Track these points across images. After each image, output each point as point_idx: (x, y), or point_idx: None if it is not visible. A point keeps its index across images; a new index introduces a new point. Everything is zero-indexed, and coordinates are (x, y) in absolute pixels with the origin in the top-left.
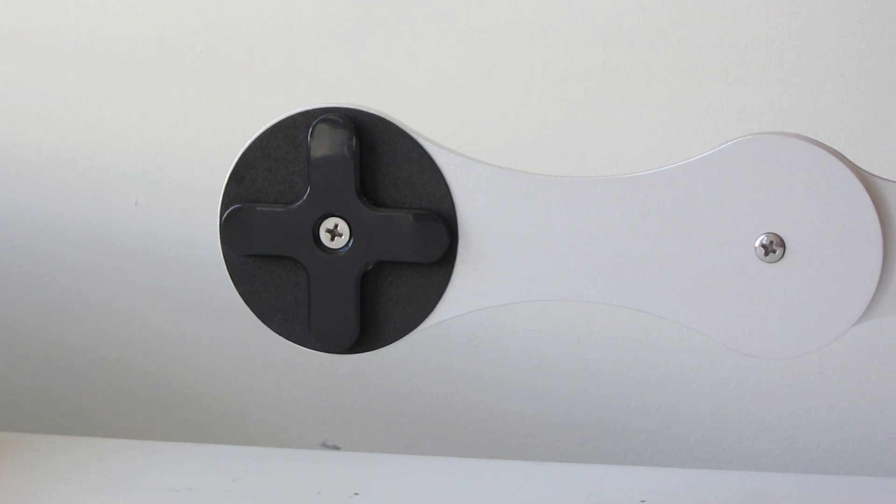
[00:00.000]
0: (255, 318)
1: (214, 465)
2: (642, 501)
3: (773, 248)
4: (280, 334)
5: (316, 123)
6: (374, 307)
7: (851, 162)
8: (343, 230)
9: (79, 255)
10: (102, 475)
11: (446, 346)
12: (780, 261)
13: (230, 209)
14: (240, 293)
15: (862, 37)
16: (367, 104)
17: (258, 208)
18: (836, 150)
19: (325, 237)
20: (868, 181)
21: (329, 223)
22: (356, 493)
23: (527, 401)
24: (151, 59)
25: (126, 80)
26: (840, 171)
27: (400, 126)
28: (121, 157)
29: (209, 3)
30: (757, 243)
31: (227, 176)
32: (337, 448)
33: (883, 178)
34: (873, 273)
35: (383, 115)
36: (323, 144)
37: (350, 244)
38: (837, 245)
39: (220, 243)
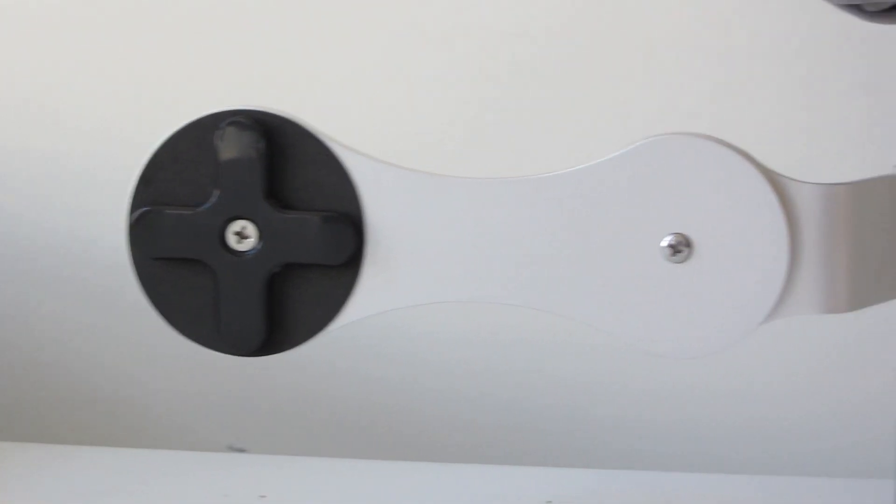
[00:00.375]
0: (163, 320)
1: (119, 469)
2: (548, 502)
3: (680, 248)
4: (187, 337)
5: (224, 126)
6: (282, 309)
7: (758, 162)
8: (251, 233)
9: None
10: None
11: (354, 347)
12: (687, 261)
13: (139, 212)
14: (147, 296)
15: (768, 37)
16: (275, 107)
17: (166, 211)
18: (743, 150)
19: (232, 240)
20: (775, 181)
21: (237, 226)
22: (263, 496)
23: (434, 402)
24: (56, 63)
25: (30, 85)
26: (747, 171)
27: (307, 128)
28: (29, 158)
29: None
30: (664, 243)
31: (136, 178)
32: (243, 451)
33: (790, 178)
34: (780, 273)
35: (291, 118)
36: (231, 147)
37: (258, 247)
38: (744, 245)
39: (128, 246)
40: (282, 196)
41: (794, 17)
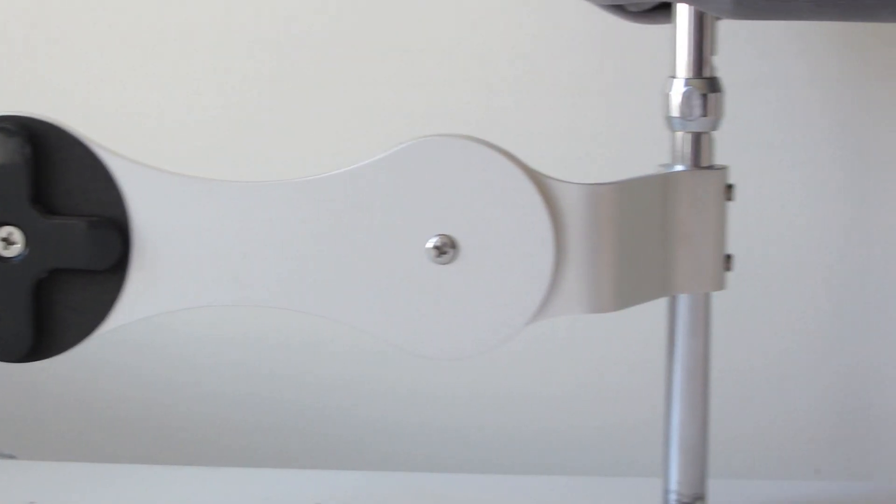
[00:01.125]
0: None
1: None
2: None
3: (446, 249)
4: None
5: None
6: (50, 315)
7: (523, 162)
8: (17, 239)
9: None
10: None
11: (122, 351)
12: (453, 262)
13: None
14: None
15: (529, 41)
16: (41, 112)
17: None
18: (506, 151)
19: None
20: (539, 181)
21: (2, 232)
22: (32, 502)
23: (201, 405)
24: None
25: None
26: (511, 172)
27: (73, 134)
28: None
29: None
30: (429, 245)
31: None
32: (12, 457)
33: (554, 179)
34: (545, 273)
35: (56, 124)
36: None
37: (24, 253)
38: (510, 245)
39: None
40: (48, 202)
41: (558, 17)
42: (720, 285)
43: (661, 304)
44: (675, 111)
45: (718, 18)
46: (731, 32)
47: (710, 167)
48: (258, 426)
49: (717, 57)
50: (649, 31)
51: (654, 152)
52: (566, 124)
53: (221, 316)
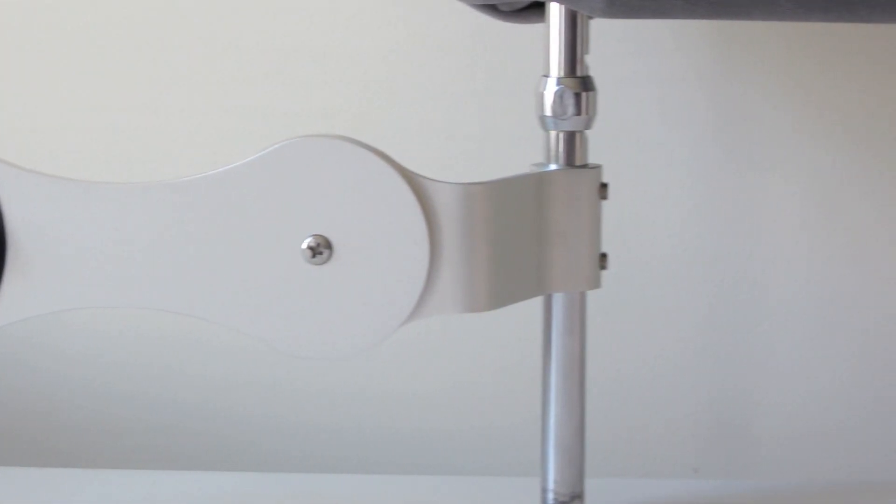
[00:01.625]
0: None
1: None
2: None
3: (320, 249)
4: None
5: None
6: None
7: (396, 162)
8: None
9: None
10: None
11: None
12: (328, 263)
13: None
14: None
15: (402, 40)
16: None
17: None
18: (380, 151)
19: None
20: (413, 181)
21: None
22: None
23: (89, 403)
24: None
25: None
26: (385, 172)
27: None
28: None
29: None
30: (304, 245)
31: None
32: None
33: (428, 178)
34: (420, 273)
35: None
36: None
37: None
38: (384, 245)
39: None
40: None
41: (430, 17)
42: (595, 284)
43: (536, 303)
44: (548, 110)
45: (591, 17)
46: (605, 30)
47: (584, 166)
48: (140, 426)
49: (591, 56)
50: (522, 31)
51: (528, 151)
52: (440, 124)
53: (105, 313)
